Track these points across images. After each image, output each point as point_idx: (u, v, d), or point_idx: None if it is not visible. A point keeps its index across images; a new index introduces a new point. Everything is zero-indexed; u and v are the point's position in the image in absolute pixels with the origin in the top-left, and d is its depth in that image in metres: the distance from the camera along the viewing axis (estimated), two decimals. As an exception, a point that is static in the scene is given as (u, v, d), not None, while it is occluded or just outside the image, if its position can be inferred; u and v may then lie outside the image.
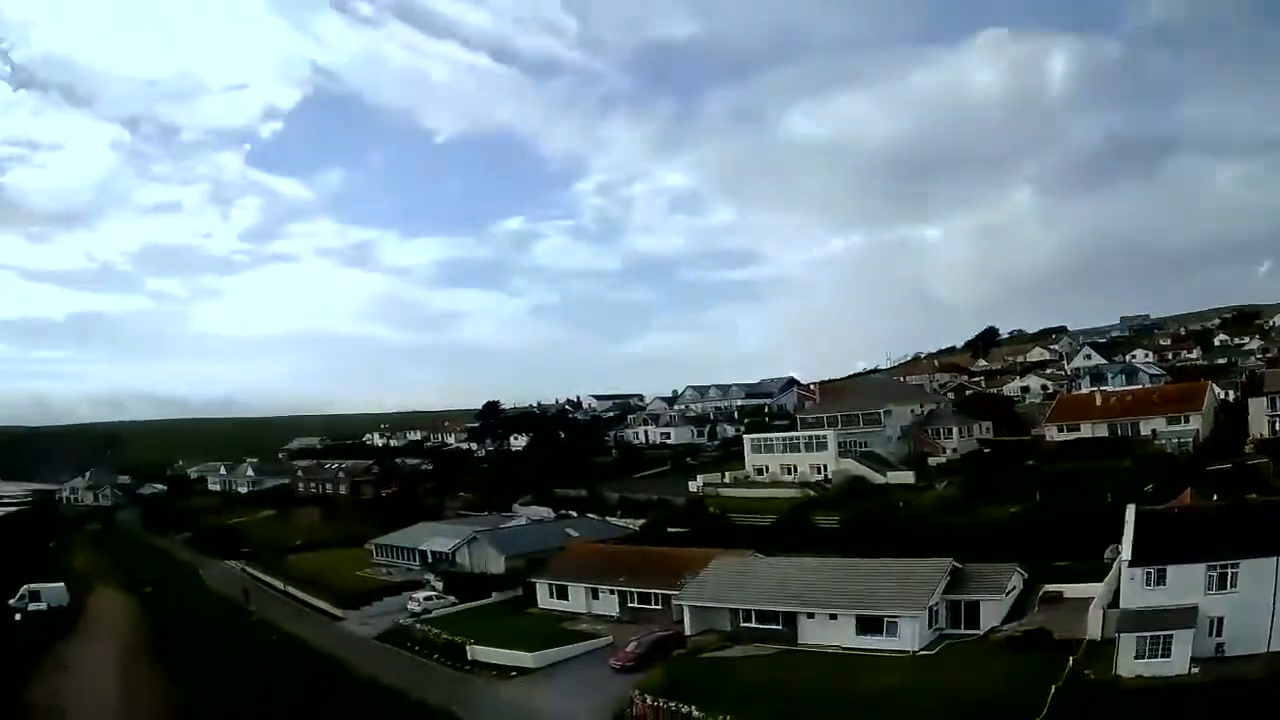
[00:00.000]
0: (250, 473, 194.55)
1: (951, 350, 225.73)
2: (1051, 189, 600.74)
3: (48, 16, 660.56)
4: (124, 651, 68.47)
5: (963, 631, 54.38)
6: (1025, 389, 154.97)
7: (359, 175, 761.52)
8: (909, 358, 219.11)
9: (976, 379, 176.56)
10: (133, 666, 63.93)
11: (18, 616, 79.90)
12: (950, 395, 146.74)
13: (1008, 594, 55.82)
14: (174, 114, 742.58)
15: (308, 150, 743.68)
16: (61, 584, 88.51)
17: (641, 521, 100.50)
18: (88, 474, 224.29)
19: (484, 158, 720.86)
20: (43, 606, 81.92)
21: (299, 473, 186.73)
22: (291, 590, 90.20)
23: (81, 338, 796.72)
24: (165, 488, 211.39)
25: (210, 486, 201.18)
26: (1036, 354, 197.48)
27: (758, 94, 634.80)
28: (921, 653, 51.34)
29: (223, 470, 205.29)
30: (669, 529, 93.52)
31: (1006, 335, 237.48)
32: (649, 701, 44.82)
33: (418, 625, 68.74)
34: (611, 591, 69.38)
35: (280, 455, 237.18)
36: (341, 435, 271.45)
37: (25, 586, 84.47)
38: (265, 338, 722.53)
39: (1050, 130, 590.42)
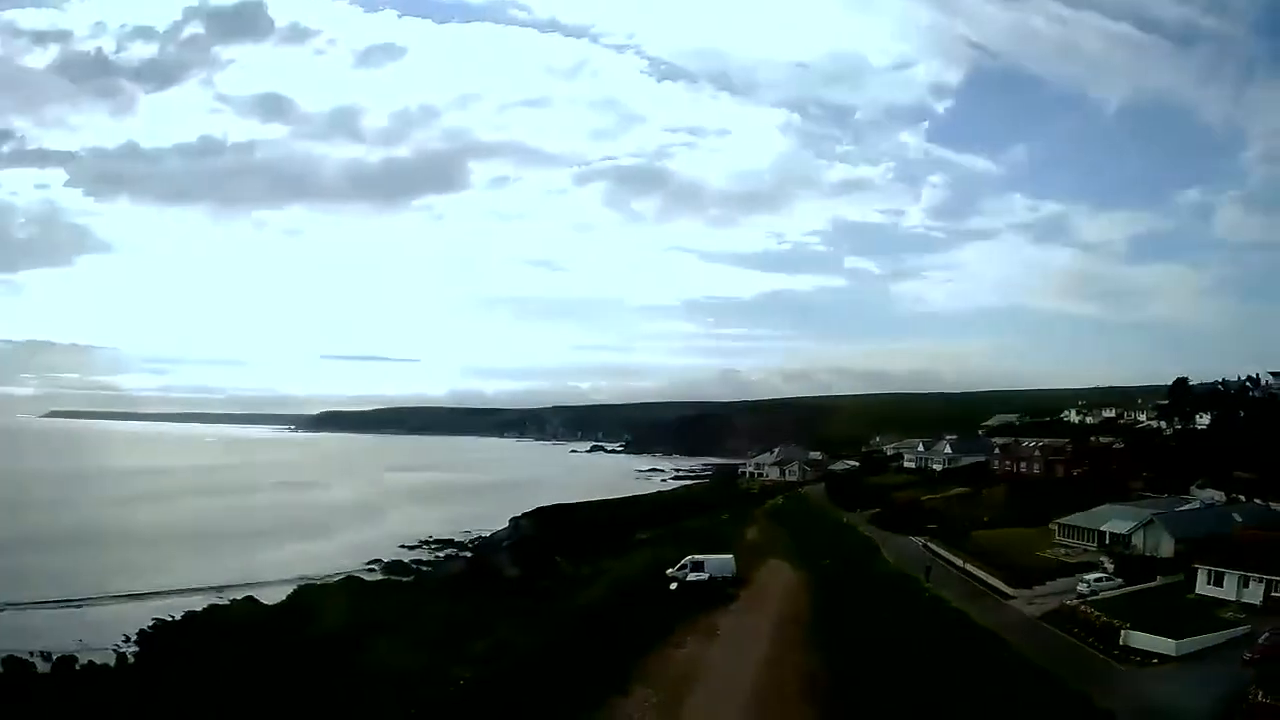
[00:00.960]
0: (947, 450, 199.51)
1: None
2: None
3: (684, 11, 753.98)
4: (779, 621, 73.71)
5: None
6: None
7: (1040, 148, 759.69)
8: None
9: None
10: (784, 635, 68.70)
11: (673, 585, 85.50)
12: None
13: None
14: (840, 95, 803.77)
15: (985, 125, 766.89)
16: (729, 555, 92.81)
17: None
18: (775, 450, 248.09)
19: (1152, 127, 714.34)
20: (704, 577, 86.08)
21: (996, 450, 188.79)
22: (968, 567, 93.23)
23: (769, 316, 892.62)
24: (857, 464, 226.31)
25: (906, 463, 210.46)
26: None
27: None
28: None
29: (920, 447, 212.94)
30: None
31: None
32: (1259, 697, 47.00)
33: (1082, 606, 70.30)
34: (1259, 580, 70.34)
35: (979, 432, 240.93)
36: (1041, 412, 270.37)
37: (688, 556, 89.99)
38: (967, 313, 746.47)
39: None
